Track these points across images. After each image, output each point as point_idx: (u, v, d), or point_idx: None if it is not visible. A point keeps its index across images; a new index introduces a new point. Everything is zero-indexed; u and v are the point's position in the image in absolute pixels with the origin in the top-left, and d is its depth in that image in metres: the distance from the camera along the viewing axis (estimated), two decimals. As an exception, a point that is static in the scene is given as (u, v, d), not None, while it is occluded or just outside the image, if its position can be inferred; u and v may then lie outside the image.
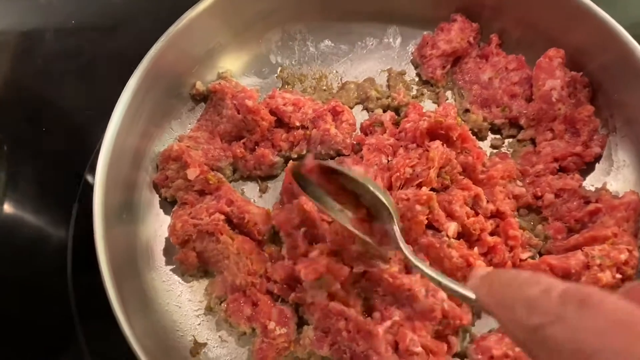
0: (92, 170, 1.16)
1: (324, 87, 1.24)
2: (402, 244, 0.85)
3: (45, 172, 1.20)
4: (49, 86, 1.29)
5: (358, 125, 1.17)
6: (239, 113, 1.10)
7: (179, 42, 1.10)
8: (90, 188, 1.14)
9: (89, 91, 1.29)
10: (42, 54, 1.33)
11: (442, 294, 0.92)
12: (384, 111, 1.17)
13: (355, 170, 0.92)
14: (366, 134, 1.14)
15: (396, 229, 0.85)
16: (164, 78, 1.10)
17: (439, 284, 0.77)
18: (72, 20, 1.39)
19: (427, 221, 0.98)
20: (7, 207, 1.12)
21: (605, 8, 1.08)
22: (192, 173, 1.04)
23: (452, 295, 0.77)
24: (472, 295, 0.65)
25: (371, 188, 0.84)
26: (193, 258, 1.02)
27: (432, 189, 1.00)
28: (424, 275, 0.81)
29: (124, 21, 1.40)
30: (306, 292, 0.95)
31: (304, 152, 1.13)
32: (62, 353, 1.09)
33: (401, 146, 1.06)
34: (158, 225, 1.09)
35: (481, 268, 0.78)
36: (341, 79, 1.24)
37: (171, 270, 1.06)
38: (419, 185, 0.98)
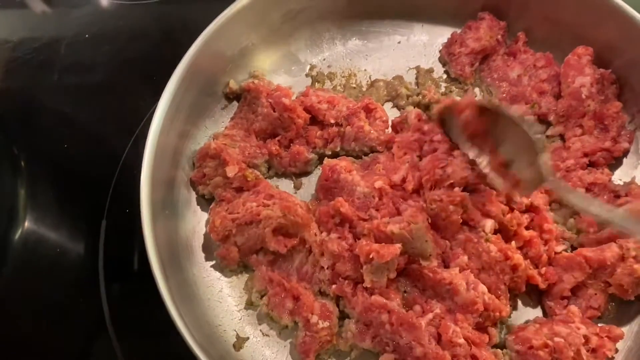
0: (118, 186, 1.20)
1: (354, 85, 1.26)
2: (550, 174, 0.90)
3: (66, 189, 1.22)
4: (65, 100, 1.31)
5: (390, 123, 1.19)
6: (274, 111, 1.12)
7: (213, 43, 1.12)
8: (117, 204, 1.18)
9: (106, 104, 1.30)
10: (58, 68, 1.36)
11: (483, 287, 0.95)
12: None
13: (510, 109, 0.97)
14: (397, 132, 1.16)
15: (545, 160, 0.90)
16: (200, 78, 1.12)
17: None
18: (86, 34, 1.41)
19: (462, 219, 1.00)
20: (28, 224, 1.14)
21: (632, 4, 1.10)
22: (231, 170, 1.06)
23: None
24: None
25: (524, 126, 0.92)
26: (234, 253, 1.04)
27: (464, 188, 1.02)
28: (579, 204, 0.90)
29: (137, 34, 1.42)
30: (346, 285, 0.98)
31: (338, 148, 1.15)
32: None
33: (426, 141, 1.08)
34: (196, 222, 1.11)
35: None
36: (370, 77, 1.26)
37: (211, 266, 1.08)
38: (451, 186, 1.00)
